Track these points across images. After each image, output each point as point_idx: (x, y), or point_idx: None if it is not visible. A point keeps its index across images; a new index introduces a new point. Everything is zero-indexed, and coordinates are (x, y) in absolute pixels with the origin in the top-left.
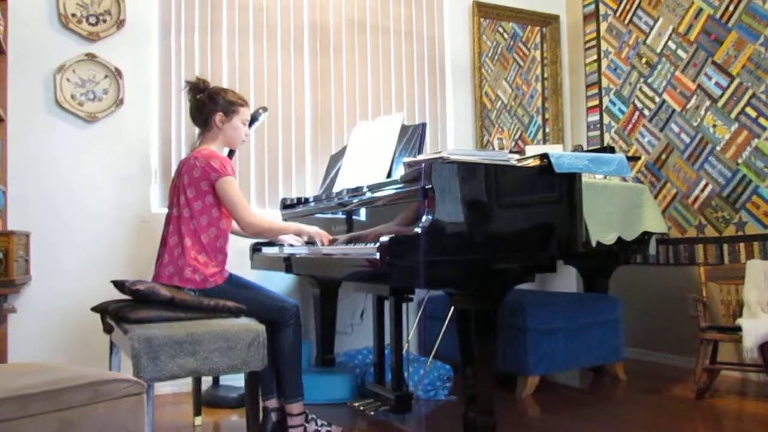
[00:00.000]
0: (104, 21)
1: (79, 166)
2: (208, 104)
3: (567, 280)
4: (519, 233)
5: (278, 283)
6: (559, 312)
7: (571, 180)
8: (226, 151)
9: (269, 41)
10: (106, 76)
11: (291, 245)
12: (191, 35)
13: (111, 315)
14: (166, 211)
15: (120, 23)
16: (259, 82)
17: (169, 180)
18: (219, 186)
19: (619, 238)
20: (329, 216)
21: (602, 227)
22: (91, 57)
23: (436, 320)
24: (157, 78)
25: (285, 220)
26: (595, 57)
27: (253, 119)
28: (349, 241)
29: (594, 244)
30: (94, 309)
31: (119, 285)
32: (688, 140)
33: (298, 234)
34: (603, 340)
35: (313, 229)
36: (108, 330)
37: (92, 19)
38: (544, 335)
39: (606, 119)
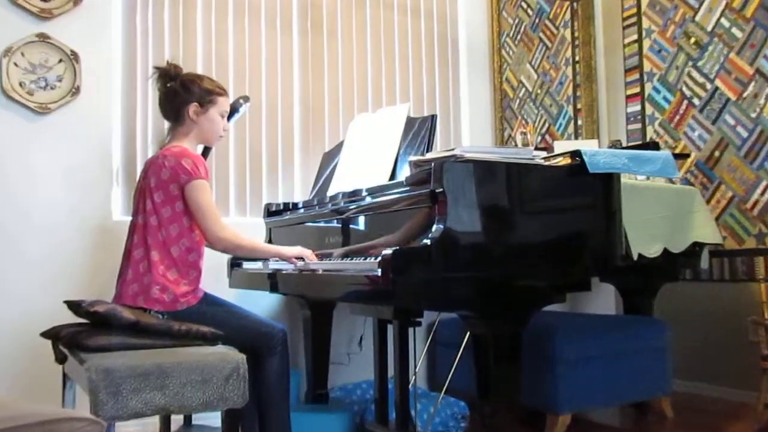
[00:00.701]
0: None
1: (28, 166)
2: (181, 93)
3: (604, 300)
4: (546, 245)
5: (262, 304)
6: (594, 338)
7: (608, 182)
8: (200, 148)
9: (251, 18)
10: (60, 61)
11: (277, 260)
12: (160, 12)
13: (64, 342)
14: (129, 219)
15: None
16: (240, 67)
17: (133, 182)
18: (188, 190)
19: (665, 251)
20: (322, 225)
21: (645, 237)
22: (42, 38)
23: (449, 348)
24: (120, 62)
25: (269, 229)
26: (635, 37)
27: (233, 111)
28: (345, 255)
29: (635, 257)
30: (45, 335)
31: (74, 306)
32: (745, 134)
33: (277, 256)
34: (647, 371)
35: (295, 251)
36: (61, 359)
37: None
38: (576, 365)
39: (648, 110)
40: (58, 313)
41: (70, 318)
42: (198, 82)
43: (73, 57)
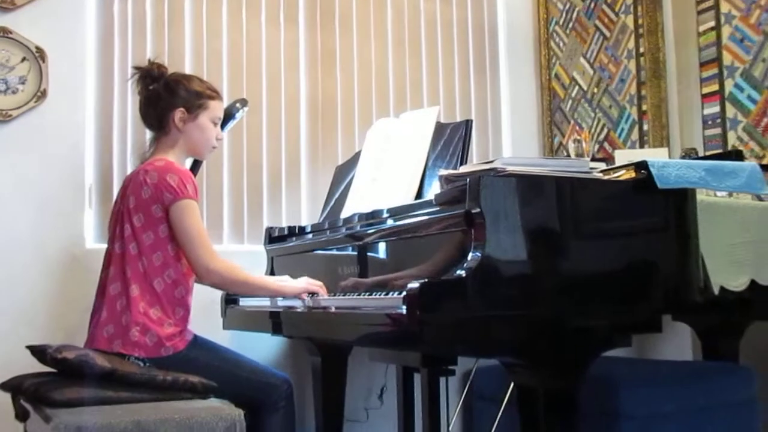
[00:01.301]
0: None
1: None
2: (165, 97)
3: (678, 343)
4: (607, 276)
5: (262, 349)
6: (667, 389)
7: (681, 199)
8: (189, 162)
9: (249, 8)
10: (23, 59)
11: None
12: (142, 2)
13: (27, 395)
14: (104, 246)
15: None
16: (236, 65)
17: (109, 203)
18: (173, 212)
19: (753, 282)
20: (334, 253)
21: (728, 267)
22: (3, 32)
23: (489, 402)
24: (94, 62)
25: (271, 258)
26: (712, 24)
27: (228, 117)
28: (363, 289)
29: (716, 291)
30: (4, 386)
31: (39, 352)
32: None
33: (279, 295)
34: (731, 430)
35: (300, 286)
36: (22, 416)
37: None
38: (646, 423)
39: (730, 111)
40: (19, 360)
41: (33, 366)
42: (185, 83)
43: (39, 55)
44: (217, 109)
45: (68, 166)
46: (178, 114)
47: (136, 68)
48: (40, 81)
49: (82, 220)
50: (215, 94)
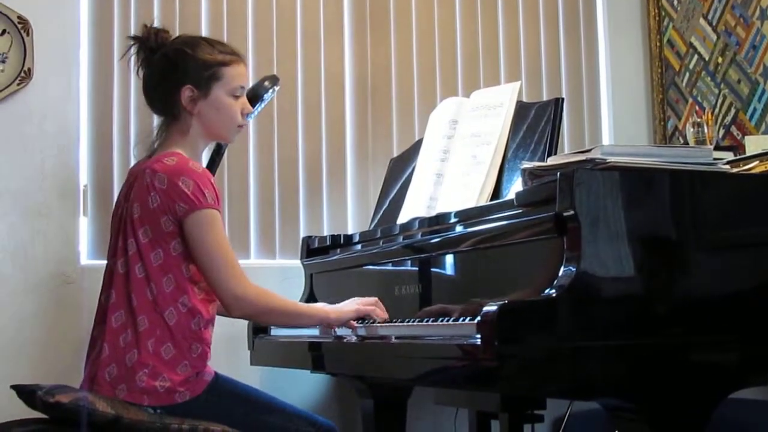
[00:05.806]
0: None
1: None
2: (168, 73)
3: None
4: (736, 297)
5: (300, 390)
6: None
7: None
8: (205, 154)
9: None
10: (3, 32)
11: None
12: None
13: None
14: (103, 262)
15: None
16: (264, 33)
17: (109, 208)
18: (189, 226)
19: None
20: (389, 268)
21: None
22: None
23: None
24: (88, 33)
25: (310, 276)
26: None
27: (255, 99)
28: (425, 315)
29: None
30: None
31: (27, 394)
32: None
33: (323, 324)
34: None
35: (351, 308)
36: None
37: None
38: None
39: None
40: (2, 404)
41: (21, 412)
42: (189, 52)
43: (22, 26)
44: (236, 77)
45: (58, 163)
46: (186, 93)
47: (132, 38)
48: (24, 58)
49: (75, 230)
50: (232, 58)
